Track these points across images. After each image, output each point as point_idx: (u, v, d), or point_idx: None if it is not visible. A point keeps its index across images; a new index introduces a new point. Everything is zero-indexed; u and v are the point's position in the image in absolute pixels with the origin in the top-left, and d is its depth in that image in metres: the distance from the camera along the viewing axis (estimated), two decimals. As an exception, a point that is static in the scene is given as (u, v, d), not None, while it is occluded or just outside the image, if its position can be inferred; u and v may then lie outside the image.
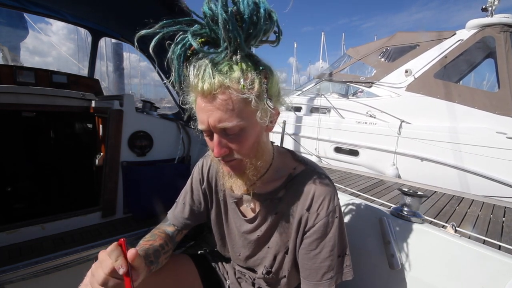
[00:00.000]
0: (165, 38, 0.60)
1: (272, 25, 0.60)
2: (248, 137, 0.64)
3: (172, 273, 0.83)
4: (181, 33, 0.60)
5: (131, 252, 0.54)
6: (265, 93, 0.61)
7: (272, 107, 0.62)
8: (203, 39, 0.60)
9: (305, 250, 0.73)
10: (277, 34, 0.63)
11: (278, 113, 0.69)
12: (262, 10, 0.56)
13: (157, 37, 0.58)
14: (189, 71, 0.60)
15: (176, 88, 0.65)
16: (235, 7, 0.55)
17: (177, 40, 0.60)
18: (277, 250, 0.79)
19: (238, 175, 0.69)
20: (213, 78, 0.57)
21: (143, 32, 0.59)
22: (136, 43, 0.61)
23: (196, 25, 0.60)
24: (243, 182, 0.71)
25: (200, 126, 0.64)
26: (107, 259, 0.54)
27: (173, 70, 0.61)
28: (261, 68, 0.61)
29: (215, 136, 0.63)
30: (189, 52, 0.60)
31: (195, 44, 0.57)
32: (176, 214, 0.91)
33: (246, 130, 0.63)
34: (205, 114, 0.60)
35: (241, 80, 0.57)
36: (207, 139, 0.67)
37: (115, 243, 0.55)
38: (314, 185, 0.73)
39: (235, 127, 0.61)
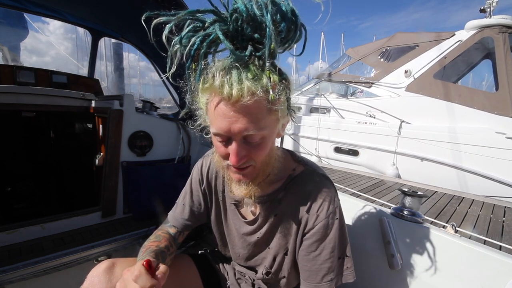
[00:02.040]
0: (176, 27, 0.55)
1: (301, 37, 0.59)
2: (267, 145, 0.63)
3: (172, 273, 0.82)
4: (197, 23, 0.55)
5: (161, 272, 0.58)
6: (289, 103, 0.61)
7: (294, 118, 0.62)
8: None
9: (305, 252, 0.73)
10: (303, 44, 0.62)
11: (289, 120, 0.68)
12: (298, 21, 0.56)
13: (172, 22, 0.54)
14: (207, 70, 0.56)
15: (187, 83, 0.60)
16: (278, 16, 0.54)
17: (196, 29, 0.55)
18: (277, 251, 0.79)
19: (248, 182, 0.67)
20: (242, 84, 0.53)
21: (164, 18, 0.54)
22: (149, 29, 0.56)
23: (216, 21, 0.55)
24: (252, 188, 0.69)
25: (217, 131, 0.59)
26: (132, 283, 0.54)
27: (188, 62, 0.56)
28: (283, 76, 0.60)
29: (234, 144, 0.59)
30: (204, 48, 0.54)
31: (223, 38, 0.52)
32: (176, 216, 0.91)
33: (266, 139, 0.62)
34: (227, 121, 0.56)
35: (270, 89, 0.55)
36: (219, 144, 0.62)
37: (141, 265, 0.57)
38: (313, 186, 0.73)
39: (259, 136, 0.59)
